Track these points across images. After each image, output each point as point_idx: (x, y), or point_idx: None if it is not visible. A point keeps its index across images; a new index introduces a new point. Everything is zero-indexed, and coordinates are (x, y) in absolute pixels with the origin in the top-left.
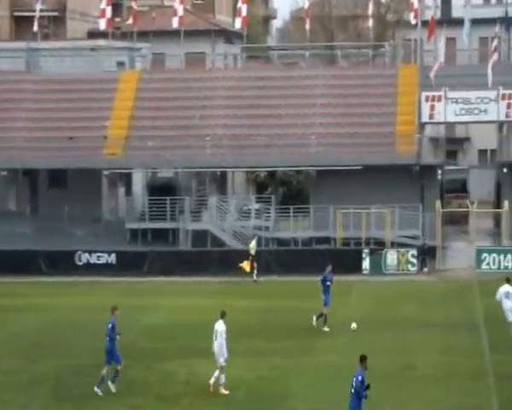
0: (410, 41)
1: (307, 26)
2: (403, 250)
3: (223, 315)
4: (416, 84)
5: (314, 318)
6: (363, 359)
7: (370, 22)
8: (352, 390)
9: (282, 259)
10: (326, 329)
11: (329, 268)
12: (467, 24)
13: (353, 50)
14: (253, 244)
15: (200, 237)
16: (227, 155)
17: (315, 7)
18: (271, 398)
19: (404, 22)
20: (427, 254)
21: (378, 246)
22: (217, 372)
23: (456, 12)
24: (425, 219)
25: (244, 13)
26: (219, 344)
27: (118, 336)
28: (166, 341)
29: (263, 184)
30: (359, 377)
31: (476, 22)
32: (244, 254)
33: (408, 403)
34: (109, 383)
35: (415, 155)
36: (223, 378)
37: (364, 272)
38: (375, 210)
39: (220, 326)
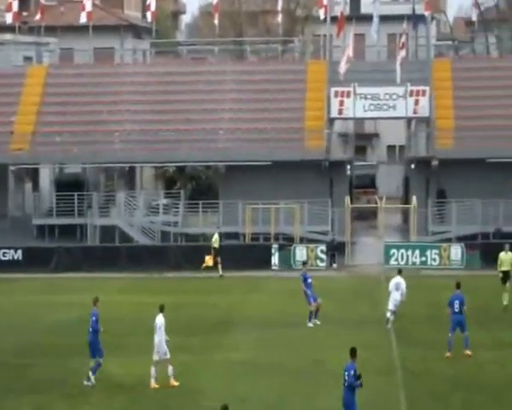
0: (319, 37)
1: (216, 22)
2: (312, 246)
3: (162, 309)
4: (325, 80)
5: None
6: (353, 352)
7: (280, 18)
8: (346, 384)
9: (190, 254)
10: (316, 322)
11: (305, 268)
12: (375, 20)
13: (263, 46)
14: (215, 238)
15: (108, 232)
16: (135, 151)
17: (224, 2)
18: (180, 395)
19: (314, 18)
20: (336, 250)
21: (287, 241)
22: (170, 368)
23: (365, 8)
24: (334, 214)
25: (153, 8)
26: (159, 339)
27: (101, 329)
28: (74, 338)
29: (172, 180)
30: (351, 371)
31: (384, 19)
32: (152, 250)
33: (318, 399)
34: (90, 373)
35: (324, 151)
36: (153, 371)
37: (274, 267)
38: (284, 205)
39: (160, 320)
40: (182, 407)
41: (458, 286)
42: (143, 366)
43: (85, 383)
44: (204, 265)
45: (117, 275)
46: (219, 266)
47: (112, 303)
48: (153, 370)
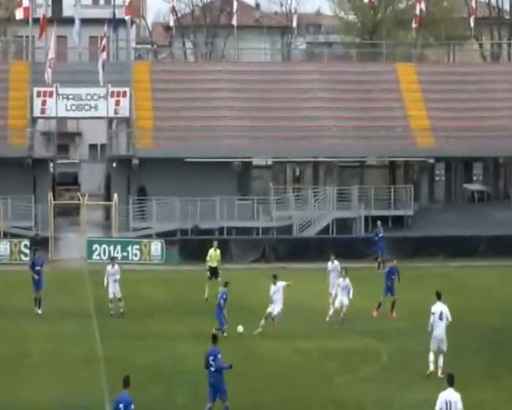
0: (21, 38)
1: None
2: (15, 241)
3: None
4: (28, 80)
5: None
6: (214, 338)
7: None
8: (212, 369)
9: None
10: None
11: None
12: (77, 23)
13: None
14: None
15: None
16: None
17: None
18: None
19: (16, 19)
20: (39, 245)
21: None
22: None
23: (67, 11)
24: (37, 210)
25: None
26: None
27: None
28: None
29: None
30: (218, 355)
31: (86, 22)
32: None
33: (21, 392)
34: None
35: (27, 149)
36: None
37: None
38: None
39: None
40: None
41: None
42: None
43: None
44: None
45: None
46: None
47: None
48: None
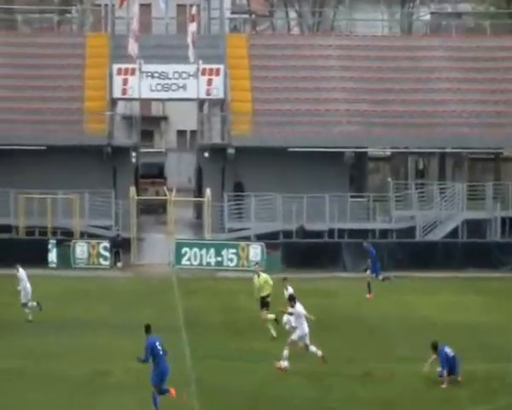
0: (99, 7)
1: None
2: (94, 242)
3: None
4: (107, 55)
5: None
6: (148, 328)
7: None
8: (163, 353)
9: None
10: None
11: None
12: None
13: (36, 15)
14: None
15: None
16: None
17: None
18: None
19: None
20: (120, 247)
21: (66, 236)
22: None
23: None
24: (118, 207)
25: None
26: None
27: None
28: None
29: None
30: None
31: None
32: None
33: None
34: None
35: (106, 135)
36: None
37: (51, 265)
38: (62, 196)
39: None
40: None
41: None
42: None
43: None
44: None
45: None
46: None
47: None
48: None
